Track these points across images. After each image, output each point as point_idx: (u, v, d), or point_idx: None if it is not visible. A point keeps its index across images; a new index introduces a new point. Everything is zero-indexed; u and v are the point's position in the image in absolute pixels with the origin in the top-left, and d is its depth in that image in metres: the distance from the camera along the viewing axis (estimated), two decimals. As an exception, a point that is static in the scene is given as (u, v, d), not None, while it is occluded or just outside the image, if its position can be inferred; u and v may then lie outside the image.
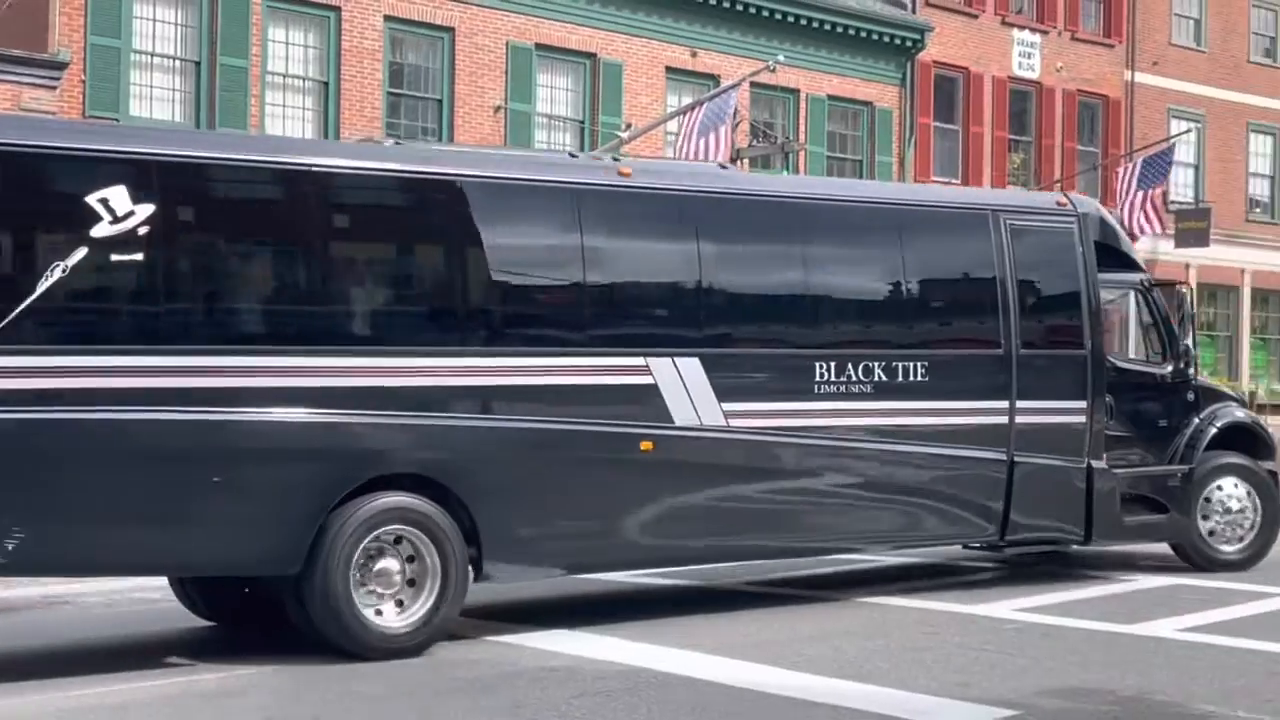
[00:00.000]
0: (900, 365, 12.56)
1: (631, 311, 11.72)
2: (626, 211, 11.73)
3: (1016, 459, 13.03)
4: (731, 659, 9.99)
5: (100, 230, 9.43)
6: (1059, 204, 14.24)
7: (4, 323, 9.10)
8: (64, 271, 9.30)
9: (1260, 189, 39.74)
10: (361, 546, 10.04)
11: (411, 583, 10.30)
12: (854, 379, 12.29)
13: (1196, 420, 14.30)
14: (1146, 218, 31.61)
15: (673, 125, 25.69)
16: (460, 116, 25.86)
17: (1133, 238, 32.47)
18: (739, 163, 28.24)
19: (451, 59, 25.94)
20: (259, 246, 10.60)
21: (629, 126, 26.41)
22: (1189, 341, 14.48)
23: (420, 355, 10.50)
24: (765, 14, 29.40)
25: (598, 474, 11.15)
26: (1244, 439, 14.59)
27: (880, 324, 13.03)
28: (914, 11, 32.22)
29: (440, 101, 25.89)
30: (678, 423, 11.37)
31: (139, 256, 9.67)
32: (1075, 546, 14.15)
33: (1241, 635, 10.86)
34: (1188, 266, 35.58)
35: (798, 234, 12.48)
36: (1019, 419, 13.05)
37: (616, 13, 27.79)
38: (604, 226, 11.46)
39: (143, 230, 9.54)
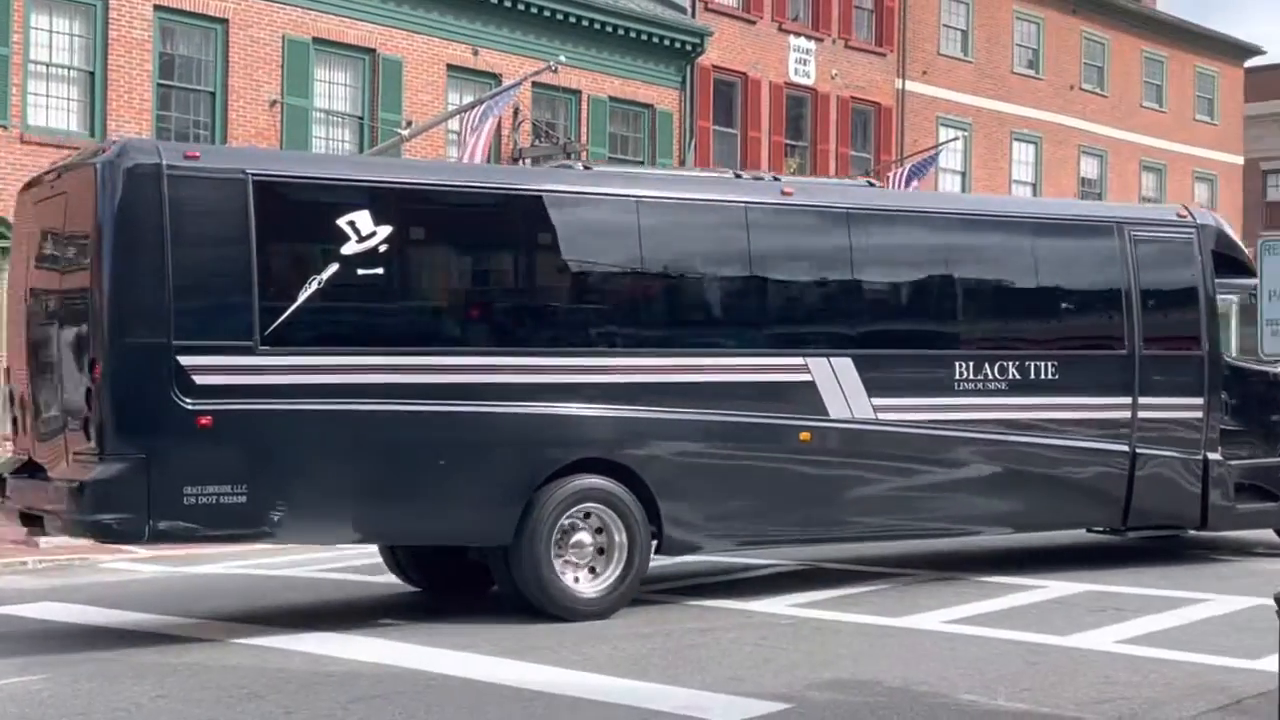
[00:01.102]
0: (1033, 365, 13.87)
1: (793, 317, 13.17)
2: (789, 226, 13.16)
3: (1138, 451, 14.28)
4: (512, 660, 9.97)
5: (349, 248, 11.02)
6: (1179, 215, 15.46)
7: (271, 328, 10.70)
8: (319, 284, 10.91)
9: (1023, 196, 41.20)
10: (561, 521, 11.61)
11: (601, 553, 11.84)
12: (991, 377, 13.62)
13: None
14: None
15: (454, 123, 25.50)
16: (234, 110, 25.23)
17: None
18: (521, 162, 28.20)
19: (225, 51, 25.28)
20: (480, 261, 12.26)
21: (409, 124, 26.12)
22: None
23: (614, 355, 12.03)
24: (547, 14, 29.39)
25: (762, 461, 12.59)
26: None
27: (1014, 327, 14.27)
28: (693, 16, 32.58)
29: (213, 94, 25.19)
30: (832, 415, 12.79)
31: (380, 270, 11.21)
32: (1192, 532, 15.34)
33: (1003, 626, 11.26)
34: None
35: (941, 245, 13.87)
36: (1141, 414, 14.30)
37: (396, 8, 27.46)
38: (769, 240, 12.91)
39: (384, 248, 11.13)
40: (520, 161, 28.10)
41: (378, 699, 8.81)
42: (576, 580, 11.73)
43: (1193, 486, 14.56)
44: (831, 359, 12.81)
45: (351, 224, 11.06)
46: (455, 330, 11.78)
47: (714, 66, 33.02)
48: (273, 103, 25.62)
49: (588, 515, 11.75)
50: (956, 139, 37.40)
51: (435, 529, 11.61)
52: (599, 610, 11.65)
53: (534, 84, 27.35)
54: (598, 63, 30.52)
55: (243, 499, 10.60)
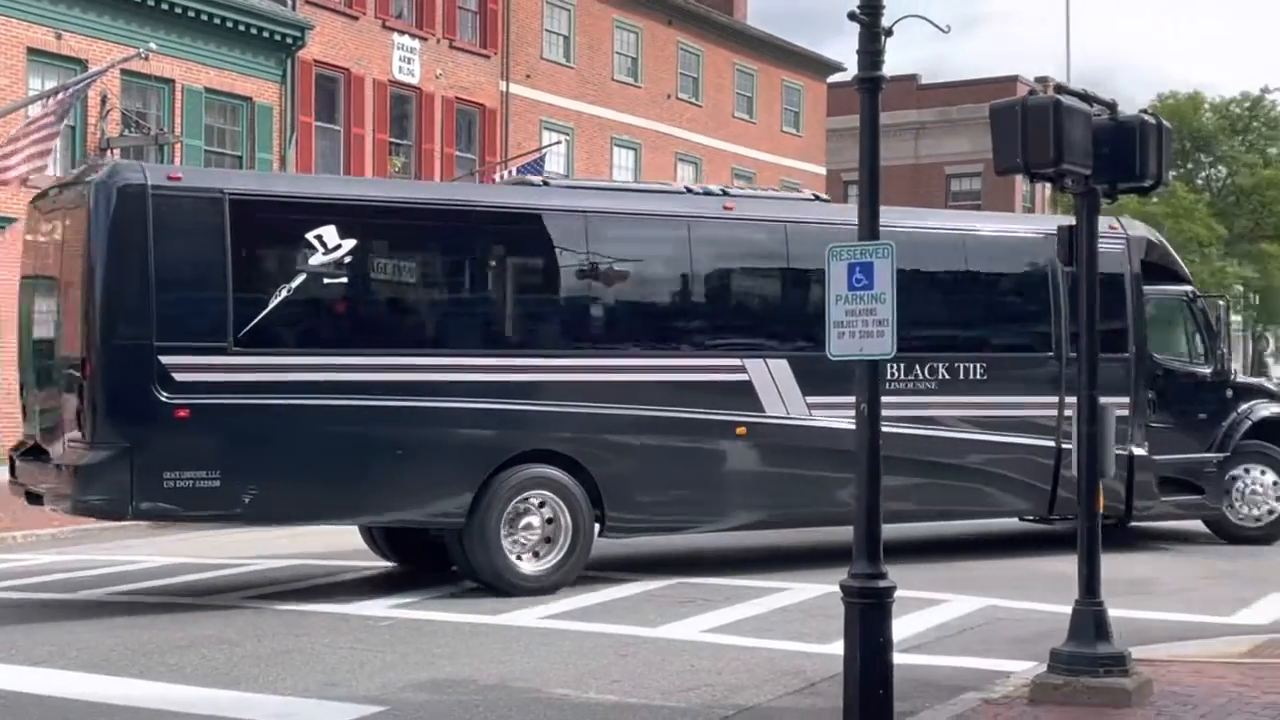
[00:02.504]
0: (961, 365, 14.96)
1: (731, 321, 14.31)
2: (729, 237, 14.24)
3: (1064, 446, 14.81)
4: (92, 673, 9.52)
5: (316, 259, 12.29)
6: (1110, 227, 16.23)
7: (244, 331, 11.97)
8: (289, 291, 12.18)
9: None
10: (511, 505, 12.82)
11: (548, 537, 13.02)
12: (921, 377, 14.68)
13: (1234, 415, 16.59)
14: None
15: (35, 109, 24.10)
16: None
17: None
18: (109, 153, 26.96)
19: None
20: (437, 270, 13.46)
21: (-15, 109, 24.55)
22: (1224, 346, 16.69)
23: (561, 355, 13.23)
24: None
25: (700, 452, 13.72)
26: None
27: (945, 331, 15.21)
28: (294, 8, 31.90)
29: None
30: (768, 412, 13.90)
31: (345, 279, 12.48)
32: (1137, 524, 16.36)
33: (598, 620, 11.54)
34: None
35: None
36: (1067, 412, 14.73)
37: (-29, -14, 25.79)
38: (711, 250, 14.12)
39: (348, 259, 12.40)
40: (109, 153, 26.91)
41: (-60, 722, 8.25)
42: (525, 559, 12.91)
43: (1118, 479, 15.38)
44: (768, 361, 13.94)
45: (319, 237, 12.29)
46: (412, 333, 13.05)
47: (316, 61, 32.46)
48: None
49: (537, 501, 12.95)
50: (559, 143, 38.06)
51: (393, 511, 12.86)
52: (545, 586, 12.81)
53: (123, 72, 26.21)
54: (192, 52, 29.50)
55: (216, 483, 11.85)
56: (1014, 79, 55.36)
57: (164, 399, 11.67)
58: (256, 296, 12.12)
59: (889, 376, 14.41)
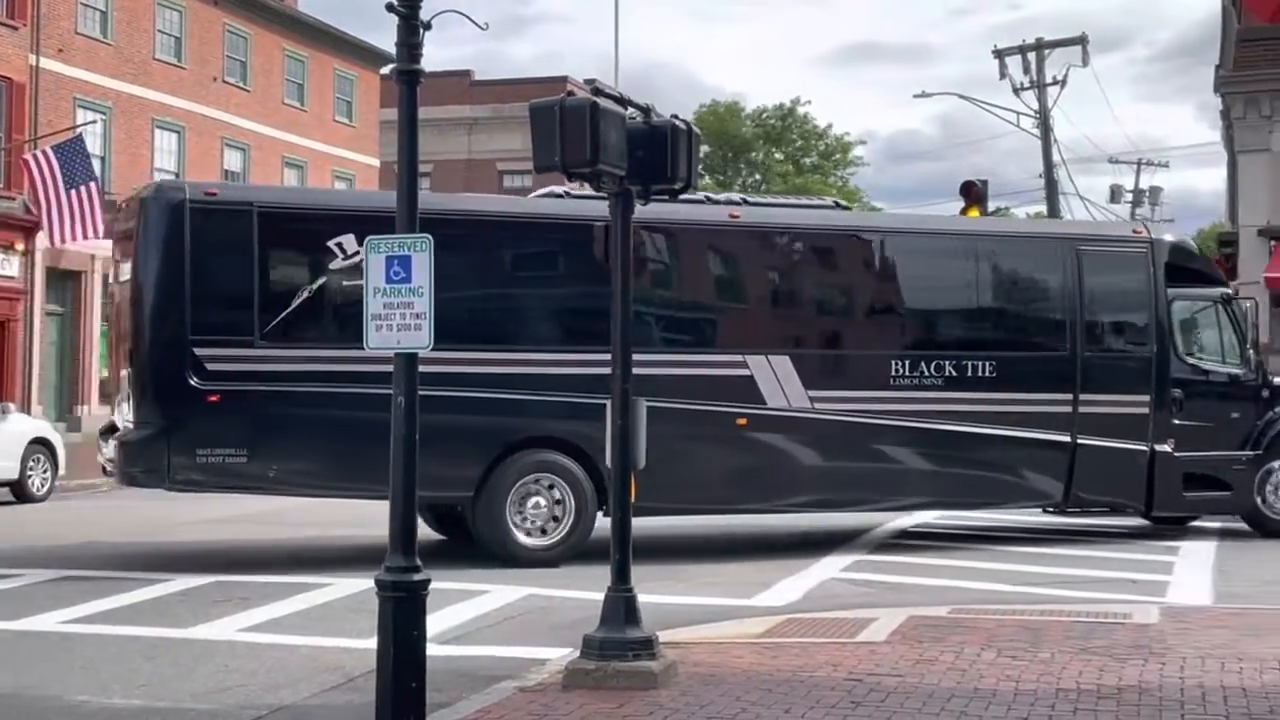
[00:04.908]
0: (969, 363, 15.54)
1: (734, 321, 15.52)
2: (735, 244, 15.48)
3: (1079, 441, 15.82)
4: None
5: (336, 264, 13.81)
6: (1135, 231, 17.24)
7: (269, 327, 13.71)
8: (310, 292, 13.95)
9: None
10: (517, 486, 14.26)
11: (554, 515, 14.39)
12: (926, 374, 15.35)
13: (1271, 414, 16.91)
14: (82, 220, 31.08)
15: None
16: None
17: (60, 241, 31.75)
18: None
19: None
20: (449, 273, 14.16)
21: None
22: (1251, 347, 17.05)
23: (568, 351, 14.39)
24: None
25: (702, 440, 14.70)
26: None
27: (954, 330, 16.03)
28: None
29: None
30: (770, 405, 14.88)
31: (362, 281, 13.47)
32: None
33: (125, 623, 11.06)
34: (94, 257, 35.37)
35: (877, 257, 15.97)
36: (1082, 409, 15.81)
37: None
38: (718, 257, 15.65)
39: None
40: None
41: None
42: (528, 534, 14.29)
43: (1137, 473, 16.03)
44: (770, 357, 14.91)
45: (339, 245, 13.71)
46: None
47: None
48: None
49: (546, 483, 14.30)
50: (94, 122, 36.20)
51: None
52: (547, 560, 14.14)
53: None
54: None
55: (244, 459, 13.67)
56: (564, 79, 56.57)
57: (198, 386, 13.47)
58: (281, 296, 13.85)
59: (892, 373, 15.26)
